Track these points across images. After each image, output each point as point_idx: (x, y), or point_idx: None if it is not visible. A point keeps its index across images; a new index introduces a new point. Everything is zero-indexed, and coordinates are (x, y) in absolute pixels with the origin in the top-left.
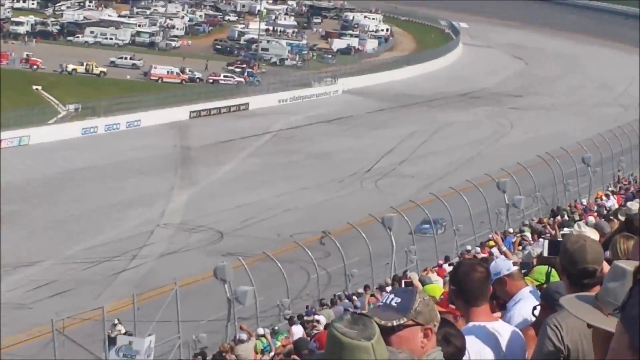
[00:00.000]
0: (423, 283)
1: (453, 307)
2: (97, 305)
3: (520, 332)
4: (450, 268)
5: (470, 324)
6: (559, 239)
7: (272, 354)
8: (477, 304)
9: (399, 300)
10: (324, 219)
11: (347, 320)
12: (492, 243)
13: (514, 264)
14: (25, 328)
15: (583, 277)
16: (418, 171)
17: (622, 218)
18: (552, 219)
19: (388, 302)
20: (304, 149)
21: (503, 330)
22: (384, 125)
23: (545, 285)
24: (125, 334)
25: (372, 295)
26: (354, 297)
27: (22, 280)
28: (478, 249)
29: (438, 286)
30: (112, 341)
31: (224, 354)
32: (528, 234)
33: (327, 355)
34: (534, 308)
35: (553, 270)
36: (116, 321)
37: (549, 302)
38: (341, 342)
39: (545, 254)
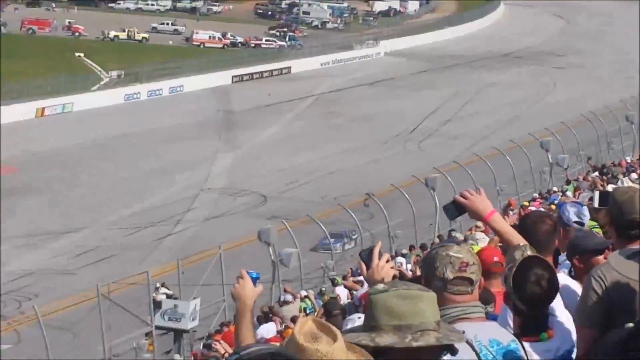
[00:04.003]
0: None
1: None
2: (142, 270)
3: (576, 283)
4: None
5: None
6: (609, 190)
7: (315, 314)
8: (542, 256)
9: None
10: (368, 180)
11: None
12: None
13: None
14: (70, 293)
15: (630, 227)
16: (461, 132)
17: None
18: (598, 175)
19: None
20: (347, 112)
21: (563, 282)
22: (427, 86)
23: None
24: (169, 297)
25: (417, 255)
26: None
27: (67, 247)
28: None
29: None
30: (157, 305)
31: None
32: (569, 193)
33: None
34: (570, 271)
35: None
36: (158, 284)
37: (571, 252)
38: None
39: (596, 205)
